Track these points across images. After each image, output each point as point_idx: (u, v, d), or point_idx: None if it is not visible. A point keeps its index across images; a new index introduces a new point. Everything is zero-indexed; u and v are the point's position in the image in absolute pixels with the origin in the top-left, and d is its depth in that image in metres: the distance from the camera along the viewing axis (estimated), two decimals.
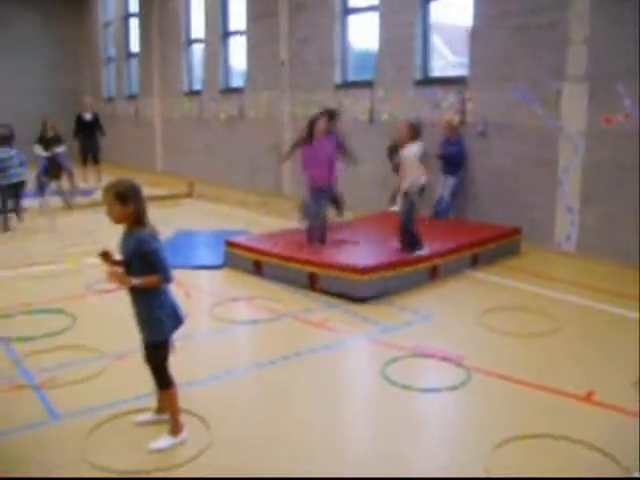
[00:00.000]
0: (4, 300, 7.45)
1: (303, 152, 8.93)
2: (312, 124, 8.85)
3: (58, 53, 22.78)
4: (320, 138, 8.73)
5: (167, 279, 4.13)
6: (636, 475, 3.96)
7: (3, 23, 21.61)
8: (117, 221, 4.10)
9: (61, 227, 11.56)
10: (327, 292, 7.47)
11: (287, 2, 13.83)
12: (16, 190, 11.46)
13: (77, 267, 8.77)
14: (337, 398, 5.14)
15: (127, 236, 4.14)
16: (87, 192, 14.06)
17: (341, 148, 9.61)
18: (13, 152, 11.32)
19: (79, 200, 13.40)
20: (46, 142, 13.33)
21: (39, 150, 13.26)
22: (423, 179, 8.16)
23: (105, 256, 4.13)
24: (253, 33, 15.03)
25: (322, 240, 8.55)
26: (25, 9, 21.92)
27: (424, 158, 8.18)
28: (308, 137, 8.83)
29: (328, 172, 8.80)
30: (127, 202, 4.03)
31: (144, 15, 19.41)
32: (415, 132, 8.03)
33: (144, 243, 4.05)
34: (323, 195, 8.81)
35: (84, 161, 17.06)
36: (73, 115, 17.58)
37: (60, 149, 13.33)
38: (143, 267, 4.05)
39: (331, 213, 9.81)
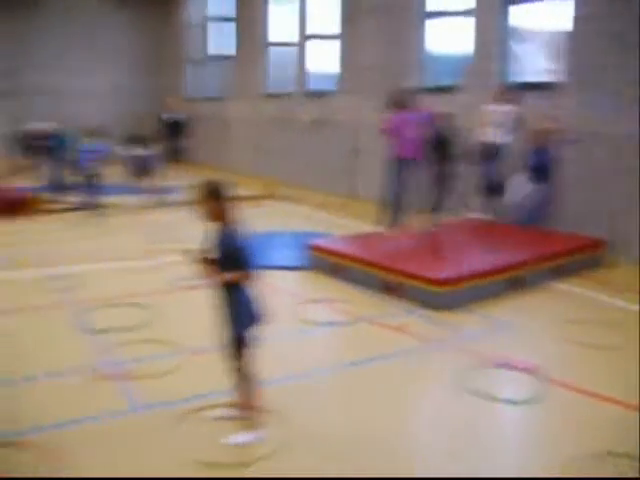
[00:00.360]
0: (89, 293, 7.69)
1: (391, 119, 8.68)
2: (402, 93, 8.61)
3: (144, 53, 23.29)
4: (411, 109, 8.46)
5: (254, 276, 4.21)
6: (636, 475, 3.90)
7: (92, 22, 22.26)
8: (209, 219, 4.18)
9: (144, 224, 11.81)
10: (407, 298, 7.40)
11: (374, 7, 13.79)
12: (90, 181, 11.87)
13: (160, 263, 8.93)
14: (414, 403, 5.12)
15: (218, 233, 4.22)
16: (169, 191, 14.25)
17: (438, 138, 9.28)
18: (96, 146, 11.77)
19: (163, 198, 13.62)
20: (137, 141, 13.62)
21: (128, 149, 13.57)
22: (493, 137, 8.04)
23: (189, 254, 4.20)
24: (342, 37, 15.04)
25: (393, 224, 8.21)
26: (113, 9, 22.52)
27: (512, 122, 8.15)
28: (395, 105, 8.54)
29: (414, 143, 8.46)
30: (218, 200, 4.13)
31: (238, 18, 19.63)
32: (501, 93, 8.04)
33: (235, 240, 4.18)
34: (405, 168, 8.48)
35: (167, 160, 17.40)
36: (158, 115, 17.92)
37: (148, 149, 13.60)
38: (231, 263, 4.13)
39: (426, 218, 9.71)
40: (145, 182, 13.56)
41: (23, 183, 14.19)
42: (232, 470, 4.03)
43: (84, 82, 21.91)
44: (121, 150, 13.64)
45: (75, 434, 4.46)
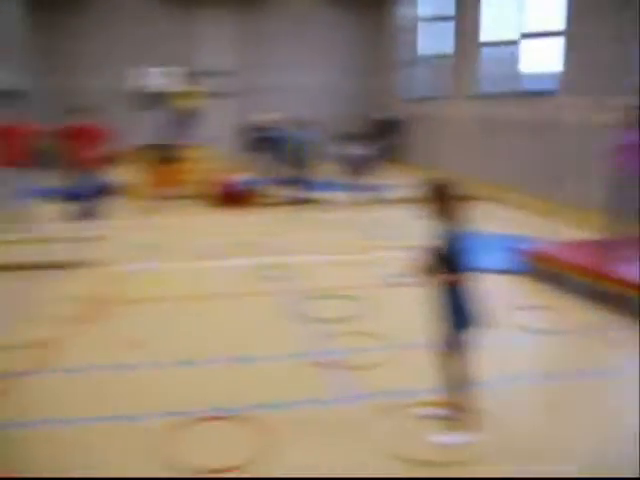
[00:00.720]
0: (303, 283, 8.05)
1: (624, 140, 8.28)
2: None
3: (355, 53, 23.70)
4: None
5: (471, 278, 4.18)
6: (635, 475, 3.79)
7: (305, 22, 23.07)
8: (435, 218, 4.18)
9: (358, 220, 12.06)
10: (627, 310, 6.91)
11: (602, 2, 13.12)
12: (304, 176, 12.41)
13: (373, 258, 9.10)
14: (620, 423, 4.80)
15: (442, 233, 4.21)
16: (382, 188, 14.35)
17: None
18: (305, 137, 12.28)
19: (377, 196, 13.77)
20: (352, 139, 13.88)
21: (343, 146, 13.85)
22: None
23: (408, 251, 4.23)
24: (567, 34, 14.48)
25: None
26: (322, 9, 23.17)
27: None
28: (628, 122, 8.09)
29: (632, 162, 7.99)
30: (446, 200, 4.15)
31: (455, 17, 19.52)
32: None
33: (458, 240, 4.15)
34: (626, 184, 8.01)
35: (381, 159, 17.60)
36: (367, 114, 18.10)
37: (365, 147, 13.80)
38: (453, 263, 4.13)
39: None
40: (360, 179, 13.78)
41: (245, 176, 14.90)
42: (436, 469, 4.02)
43: (296, 80, 22.72)
44: (336, 148, 13.94)
45: (283, 416, 4.68)
